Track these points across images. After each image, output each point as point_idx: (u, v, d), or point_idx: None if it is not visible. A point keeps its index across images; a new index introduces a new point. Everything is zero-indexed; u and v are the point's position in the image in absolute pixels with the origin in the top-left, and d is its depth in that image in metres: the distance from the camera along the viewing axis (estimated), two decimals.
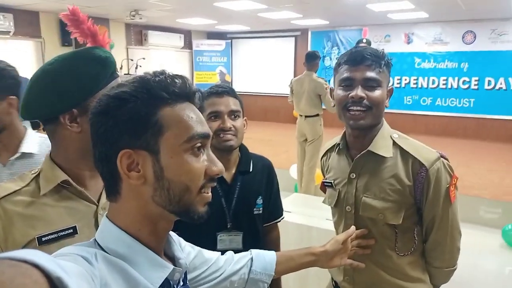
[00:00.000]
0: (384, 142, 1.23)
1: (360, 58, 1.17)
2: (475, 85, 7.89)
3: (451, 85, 8.12)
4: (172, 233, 0.78)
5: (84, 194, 0.92)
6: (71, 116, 0.89)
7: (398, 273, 1.25)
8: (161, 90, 0.64)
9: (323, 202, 1.45)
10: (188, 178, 0.64)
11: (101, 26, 7.71)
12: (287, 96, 5.08)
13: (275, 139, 7.67)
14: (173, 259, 0.74)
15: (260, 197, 1.42)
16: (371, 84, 1.17)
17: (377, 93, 1.17)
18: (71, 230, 0.88)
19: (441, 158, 1.20)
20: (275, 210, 1.53)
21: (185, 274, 0.75)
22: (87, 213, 0.92)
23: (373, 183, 1.23)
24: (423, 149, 1.21)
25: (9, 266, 0.36)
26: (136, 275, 0.63)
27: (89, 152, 0.87)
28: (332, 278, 1.46)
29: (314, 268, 1.14)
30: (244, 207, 1.39)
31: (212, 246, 1.28)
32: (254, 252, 1.05)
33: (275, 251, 1.57)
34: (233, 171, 1.40)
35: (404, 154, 1.21)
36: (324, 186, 1.44)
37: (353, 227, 1.19)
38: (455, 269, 1.29)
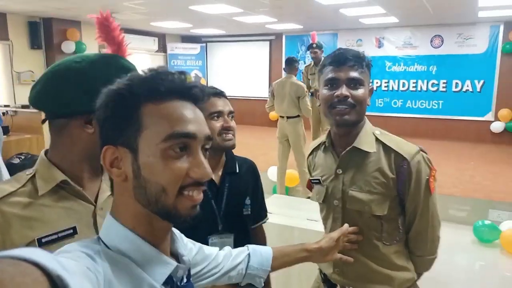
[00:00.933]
0: (367, 138, 1.29)
1: (344, 59, 1.24)
2: (443, 87, 8.19)
3: (421, 87, 8.40)
4: (174, 230, 0.77)
5: (82, 194, 0.92)
6: (88, 117, 0.89)
7: (385, 262, 1.31)
8: (143, 87, 0.63)
9: (311, 198, 1.48)
10: (163, 179, 0.62)
11: (73, 29, 7.54)
12: (263, 100, 5.19)
13: (252, 142, 7.69)
14: (176, 256, 0.73)
15: (248, 198, 1.43)
16: (354, 84, 1.24)
17: (360, 91, 1.24)
18: (71, 231, 0.88)
19: (421, 152, 1.28)
20: (261, 211, 1.55)
21: (189, 271, 0.75)
22: (85, 213, 0.92)
23: (358, 177, 1.29)
24: (403, 144, 1.29)
25: (9, 265, 0.36)
26: (139, 272, 0.62)
27: (93, 155, 0.89)
28: (320, 271, 1.49)
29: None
30: (234, 208, 1.40)
31: None
32: (251, 248, 1.06)
33: None
34: (220, 172, 1.41)
35: (387, 148, 1.28)
36: (311, 184, 1.47)
37: (346, 225, 1.24)
38: (435, 257, 1.36)
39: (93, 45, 8.18)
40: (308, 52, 6.06)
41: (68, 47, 7.46)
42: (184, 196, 0.63)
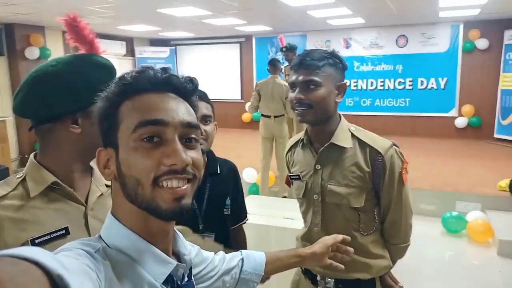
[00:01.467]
0: (343, 135, 1.36)
1: (299, 63, 1.32)
2: (409, 85, 8.45)
3: (388, 86, 8.63)
4: (176, 230, 0.76)
5: (73, 195, 0.93)
6: (73, 117, 0.92)
7: (363, 252, 1.37)
8: (121, 87, 0.65)
9: (288, 196, 1.53)
10: (136, 171, 0.61)
11: (36, 34, 7.30)
12: (236, 102, 5.24)
13: (226, 145, 7.68)
14: (178, 256, 0.73)
15: (228, 198, 1.46)
16: (310, 85, 1.30)
17: (316, 93, 1.30)
18: (64, 231, 0.89)
19: (394, 146, 1.35)
20: (241, 211, 1.58)
21: (190, 270, 0.74)
22: (77, 214, 0.93)
23: (336, 172, 1.35)
24: (377, 139, 1.36)
25: (9, 264, 0.35)
26: (139, 270, 0.62)
27: (85, 153, 0.93)
28: None
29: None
30: (215, 208, 1.42)
31: None
32: (244, 252, 1.06)
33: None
34: (202, 173, 1.42)
35: (362, 144, 1.34)
36: (289, 180, 1.52)
37: (341, 235, 1.17)
38: (409, 244, 1.44)
39: (58, 50, 7.95)
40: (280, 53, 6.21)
41: (32, 53, 7.21)
42: (163, 188, 0.61)
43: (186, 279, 0.71)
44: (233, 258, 1.02)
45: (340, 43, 8.85)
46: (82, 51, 1.02)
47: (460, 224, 4.21)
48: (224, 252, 1.05)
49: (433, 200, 4.77)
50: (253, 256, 1.05)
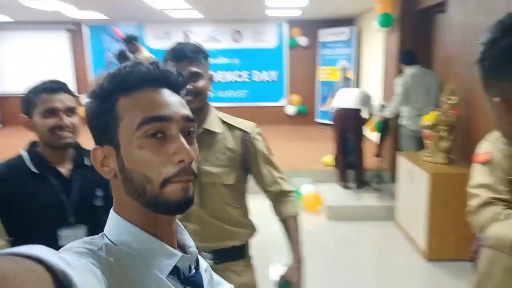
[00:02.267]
0: (215, 121, 1.52)
1: (183, 55, 1.41)
2: (247, 77, 9.15)
3: (228, 78, 9.16)
4: (178, 222, 0.73)
5: None
6: None
7: (234, 222, 1.56)
8: (114, 83, 0.64)
9: None
10: (145, 168, 0.61)
11: None
12: None
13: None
14: (183, 248, 0.72)
15: (99, 189, 1.45)
16: (195, 76, 1.43)
17: (200, 83, 1.45)
18: None
19: (255, 126, 1.57)
20: None
21: (197, 261, 0.72)
22: None
23: (210, 154, 1.49)
24: (243, 122, 1.56)
25: (13, 262, 0.36)
26: (144, 264, 0.62)
27: None
28: None
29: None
30: (85, 200, 1.41)
31: (53, 244, 1.21)
32: None
33: None
34: (70, 166, 1.43)
35: (231, 127, 1.53)
36: None
37: None
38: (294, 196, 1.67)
39: None
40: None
41: None
42: (171, 184, 0.62)
43: (193, 271, 0.70)
44: None
45: (179, 35, 8.91)
46: None
47: (296, 197, 4.83)
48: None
49: None
50: None
